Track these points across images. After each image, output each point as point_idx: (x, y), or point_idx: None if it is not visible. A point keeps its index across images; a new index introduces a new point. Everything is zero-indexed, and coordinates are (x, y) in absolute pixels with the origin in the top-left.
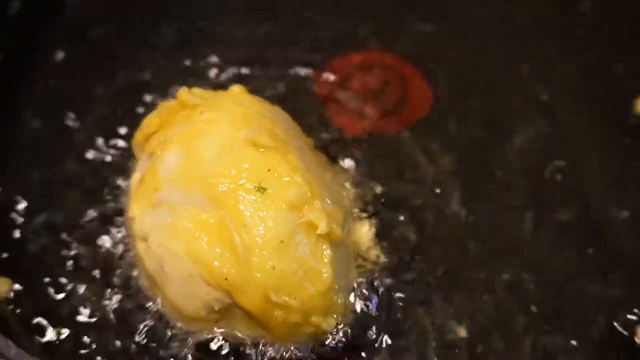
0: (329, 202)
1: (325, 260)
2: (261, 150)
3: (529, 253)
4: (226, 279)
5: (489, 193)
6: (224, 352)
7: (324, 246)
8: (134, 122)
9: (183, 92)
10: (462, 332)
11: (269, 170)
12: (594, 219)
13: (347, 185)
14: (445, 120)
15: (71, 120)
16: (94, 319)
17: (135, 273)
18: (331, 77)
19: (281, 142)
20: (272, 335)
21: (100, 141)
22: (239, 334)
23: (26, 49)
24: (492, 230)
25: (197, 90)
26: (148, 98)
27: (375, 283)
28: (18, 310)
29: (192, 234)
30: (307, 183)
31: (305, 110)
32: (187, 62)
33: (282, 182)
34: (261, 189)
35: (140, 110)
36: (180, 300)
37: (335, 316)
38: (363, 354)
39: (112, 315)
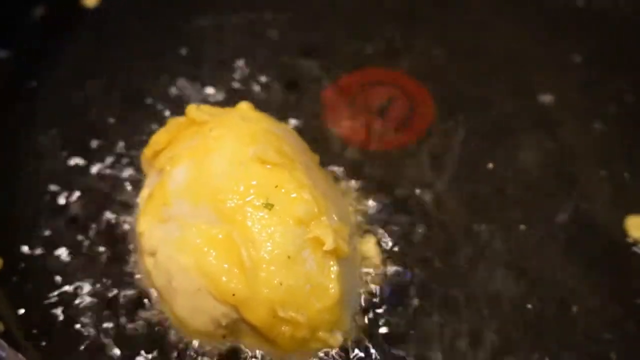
0: (335, 218)
1: (332, 275)
2: (268, 167)
3: (534, 268)
4: (234, 295)
5: (495, 208)
6: None
7: (331, 262)
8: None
9: (192, 109)
10: (468, 348)
11: (276, 186)
12: (598, 233)
13: (353, 200)
14: (449, 135)
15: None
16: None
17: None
18: (338, 94)
19: (288, 159)
20: (279, 350)
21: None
22: (246, 349)
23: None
24: (497, 245)
25: (205, 107)
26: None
27: (382, 298)
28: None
29: (201, 248)
30: (314, 199)
31: (312, 127)
32: (195, 79)
33: (290, 199)
34: (269, 205)
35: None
36: (187, 315)
37: (342, 332)
38: None
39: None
